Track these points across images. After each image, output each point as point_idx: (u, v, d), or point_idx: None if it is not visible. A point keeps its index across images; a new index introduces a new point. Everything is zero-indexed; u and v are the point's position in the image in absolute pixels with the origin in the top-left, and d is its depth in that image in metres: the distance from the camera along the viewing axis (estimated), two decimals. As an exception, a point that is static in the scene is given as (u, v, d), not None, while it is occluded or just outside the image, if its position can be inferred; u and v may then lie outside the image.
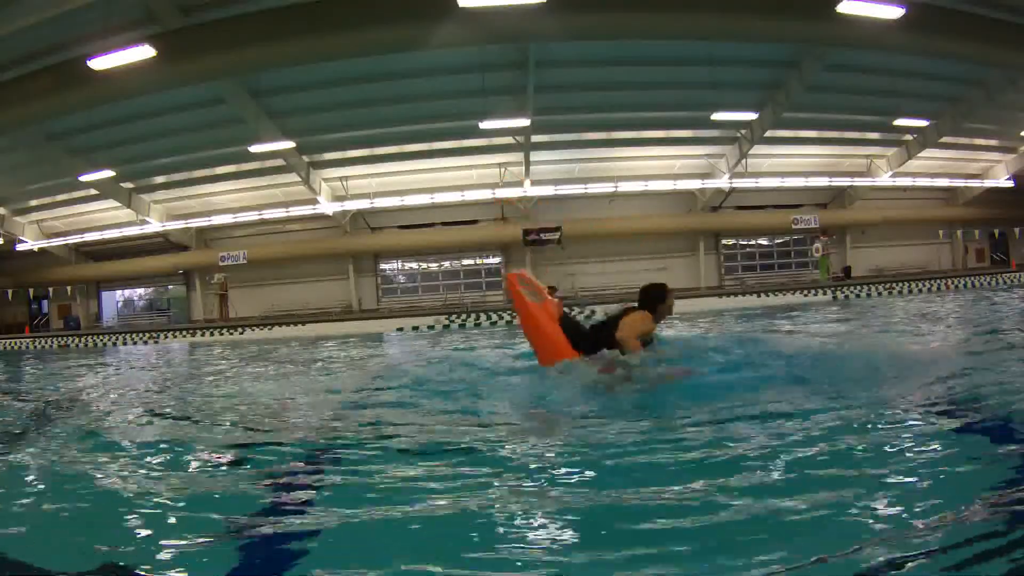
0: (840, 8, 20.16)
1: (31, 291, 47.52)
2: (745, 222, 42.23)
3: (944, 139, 36.28)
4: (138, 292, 48.29)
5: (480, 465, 4.73)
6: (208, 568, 3.31)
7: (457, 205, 39.09)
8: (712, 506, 3.66)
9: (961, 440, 4.65)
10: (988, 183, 42.69)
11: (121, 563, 3.39)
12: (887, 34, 21.51)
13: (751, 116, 32.04)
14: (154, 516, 4.03)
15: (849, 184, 40.94)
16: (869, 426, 5.08)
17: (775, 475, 4.11)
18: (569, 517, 3.62)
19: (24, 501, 4.55)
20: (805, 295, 30.63)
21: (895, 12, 20.42)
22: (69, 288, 45.81)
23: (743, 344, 9.69)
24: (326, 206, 38.05)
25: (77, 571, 3.33)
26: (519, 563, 3.17)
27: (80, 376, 15.33)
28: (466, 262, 43.84)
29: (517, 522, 3.61)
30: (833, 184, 40.84)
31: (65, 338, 34.62)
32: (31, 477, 5.23)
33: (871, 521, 3.34)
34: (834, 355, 9.34)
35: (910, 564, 2.89)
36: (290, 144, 31.05)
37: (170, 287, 47.10)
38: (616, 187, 38.19)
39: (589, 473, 4.43)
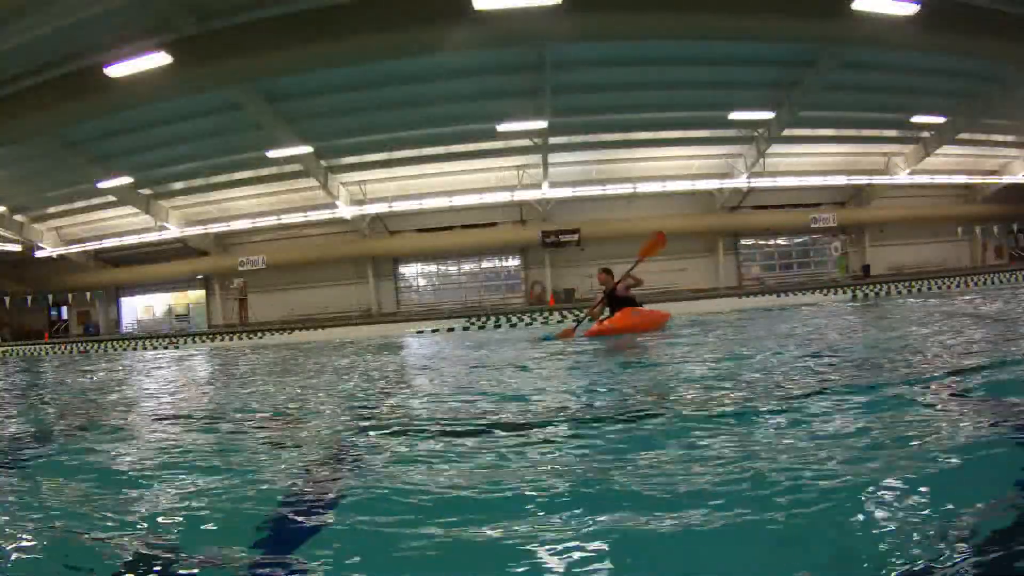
0: (855, 5, 20.17)
1: (50, 297, 47.76)
2: (763, 221, 42.14)
3: (961, 136, 36.17)
4: (158, 297, 48.42)
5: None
6: (224, 565, 3.31)
7: (475, 208, 39.14)
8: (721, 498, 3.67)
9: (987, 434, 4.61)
10: (1006, 179, 42.48)
11: (137, 560, 3.40)
12: (902, 31, 21.47)
13: (768, 115, 32.04)
14: (170, 514, 4.04)
15: (867, 182, 40.82)
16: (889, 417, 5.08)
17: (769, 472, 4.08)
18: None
19: (45, 502, 4.57)
20: (824, 294, 30.47)
21: (910, 8, 20.42)
22: (88, 294, 46.01)
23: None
24: (344, 210, 38.16)
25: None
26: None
27: (99, 381, 15.36)
28: (485, 264, 43.87)
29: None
30: (851, 182, 40.75)
31: (85, 344, 34.70)
32: (52, 479, 5.24)
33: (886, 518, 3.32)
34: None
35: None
36: (308, 149, 31.23)
37: (189, 292, 47.28)
38: (635, 188, 38.21)
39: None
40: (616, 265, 16.34)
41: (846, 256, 42.82)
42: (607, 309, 15.70)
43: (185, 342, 31.68)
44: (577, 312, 23.00)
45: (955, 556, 2.84)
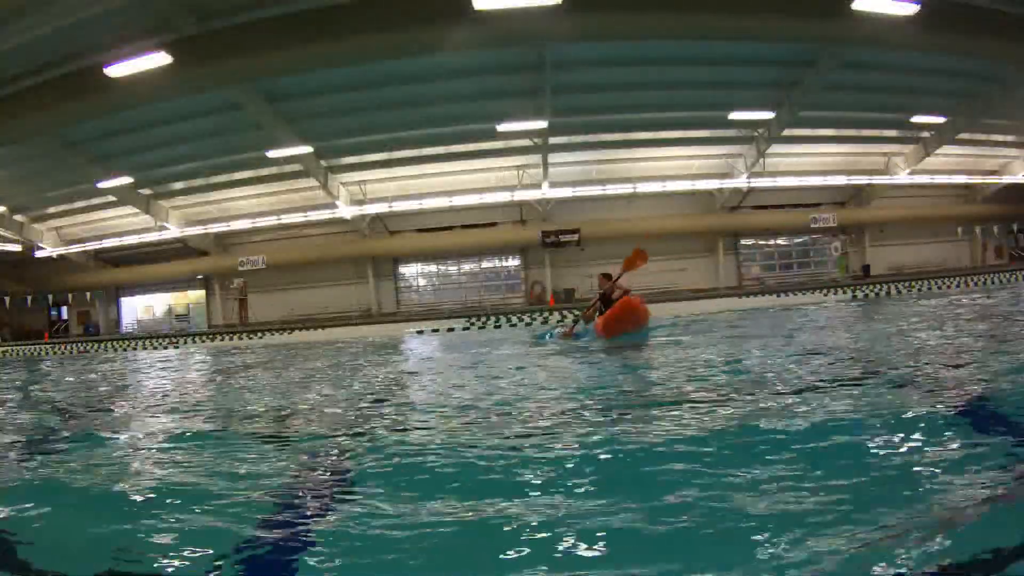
0: (855, 5, 20.17)
1: (50, 297, 47.77)
2: (763, 221, 42.14)
3: (961, 136, 36.15)
4: (158, 297, 48.40)
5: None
6: (224, 567, 3.32)
7: (475, 208, 39.13)
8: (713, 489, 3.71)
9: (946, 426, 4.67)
10: (1006, 179, 42.44)
11: (128, 565, 3.42)
12: (902, 31, 21.47)
13: (768, 115, 32.03)
14: (169, 516, 4.06)
15: (867, 182, 40.79)
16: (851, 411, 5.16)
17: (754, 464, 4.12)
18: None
19: (44, 503, 4.58)
20: (824, 294, 30.48)
21: (910, 8, 20.43)
22: (88, 294, 46.00)
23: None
24: (344, 210, 38.14)
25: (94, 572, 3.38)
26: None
27: (101, 381, 15.39)
28: (485, 264, 43.89)
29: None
30: (851, 182, 40.74)
31: (85, 344, 34.68)
32: (54, 480, 5.26)
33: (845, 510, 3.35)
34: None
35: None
36: (308, 149, 31.23)
37: (189, 292, 47.28)
38: (635, 188, 38.23)
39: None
40: (617, 266, 16.39)
41: (846, 256, 42.85)
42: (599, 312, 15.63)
43: (185, 342, 31.68)
44: (577, 312, 23.12)
45: (949, 558, 2.87)
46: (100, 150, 30.54)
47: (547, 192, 38.08)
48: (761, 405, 6.02)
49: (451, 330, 25.22)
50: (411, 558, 3.27)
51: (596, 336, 14.32)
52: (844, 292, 30.52)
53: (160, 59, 20.04)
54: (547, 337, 15.80)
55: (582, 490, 3.95)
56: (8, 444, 7.12)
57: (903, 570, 2.80)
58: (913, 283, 31.17)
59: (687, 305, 27.41)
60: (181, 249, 42.61)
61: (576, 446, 5.02)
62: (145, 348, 30.42)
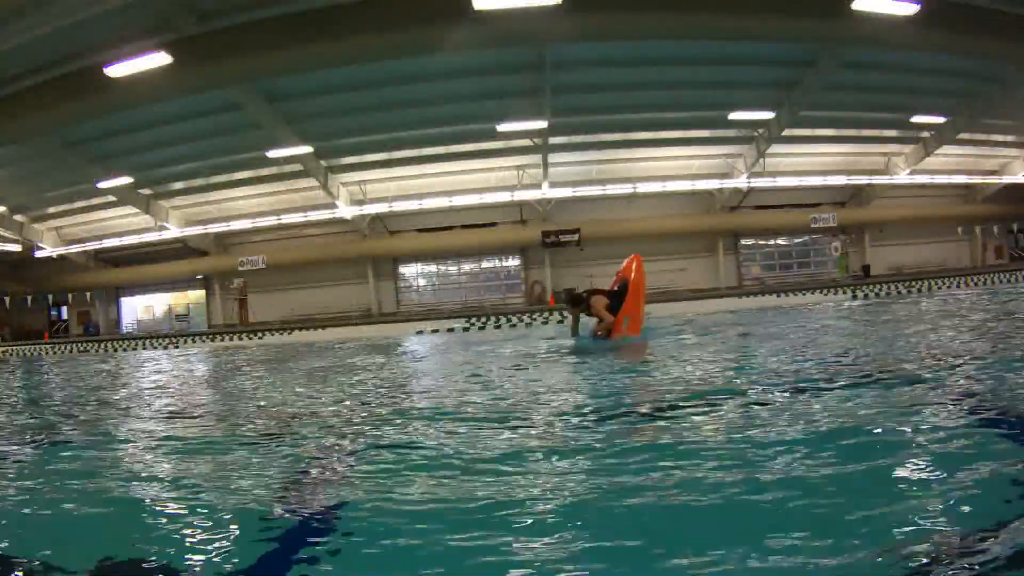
0: (855, 5, 20.17)
1: (50, 297, 47.77)
2: (763, 221, 42.15)
3: (961, 136, 36.15)
4: (158, 297, 48.39)
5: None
6: (231, 563, 3.31)
7: (476, 208, 39.13)
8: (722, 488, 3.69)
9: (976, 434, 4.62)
10: (1006, 179, 42.44)
11: (137, 559, 3.41)
12: (902, 31, 21.48)
13: (768, 115, 32.07)
14: (177, 511, 4.05)
15: (867, 182, 40.79)
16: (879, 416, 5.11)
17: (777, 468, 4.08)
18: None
19: (48, 499, 4.56)
20: (824, 294, 30.40)
21: (910, 8, 20.43)
22: (88, 294, 45.98)
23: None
24: (344, 210, 38.17)
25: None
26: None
27: (101, 380, 15.36)
28: (485, 264, 43.89)
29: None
30: (851, 182, 40.75)
31: (85, 344, 34.63)
32: (59, 476, 5.24)
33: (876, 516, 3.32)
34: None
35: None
36: (308, 149, 31.24)
37: (189, 292, 47.28)
38: (635, 188, 38.22)
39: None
40: (617, 265, 16.14)
41: (846, 256, 42.87)
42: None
43: (185, 342, 31.62)
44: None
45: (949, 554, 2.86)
46: (100, 150, 30.56)
47: (547, 192, 38.12)
48: (768, 404, 5.99)
49: (451, 330, 25.20)
50: (412, 559, 3.26)
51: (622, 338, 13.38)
52: (844, 292, 30.44)
53: (160, 59, 20.05)
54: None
55: (586, 490, 3.93)
56: (8, 444, 7.10)
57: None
58: (913, 283, 31.11)
59: (687, 305, 27.37)
60: (181, 249, 42.63)
61: (583, 445, 5.02)
62: (145, 348, 30.38)
